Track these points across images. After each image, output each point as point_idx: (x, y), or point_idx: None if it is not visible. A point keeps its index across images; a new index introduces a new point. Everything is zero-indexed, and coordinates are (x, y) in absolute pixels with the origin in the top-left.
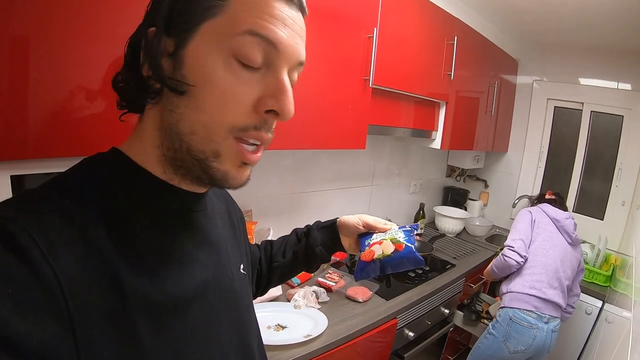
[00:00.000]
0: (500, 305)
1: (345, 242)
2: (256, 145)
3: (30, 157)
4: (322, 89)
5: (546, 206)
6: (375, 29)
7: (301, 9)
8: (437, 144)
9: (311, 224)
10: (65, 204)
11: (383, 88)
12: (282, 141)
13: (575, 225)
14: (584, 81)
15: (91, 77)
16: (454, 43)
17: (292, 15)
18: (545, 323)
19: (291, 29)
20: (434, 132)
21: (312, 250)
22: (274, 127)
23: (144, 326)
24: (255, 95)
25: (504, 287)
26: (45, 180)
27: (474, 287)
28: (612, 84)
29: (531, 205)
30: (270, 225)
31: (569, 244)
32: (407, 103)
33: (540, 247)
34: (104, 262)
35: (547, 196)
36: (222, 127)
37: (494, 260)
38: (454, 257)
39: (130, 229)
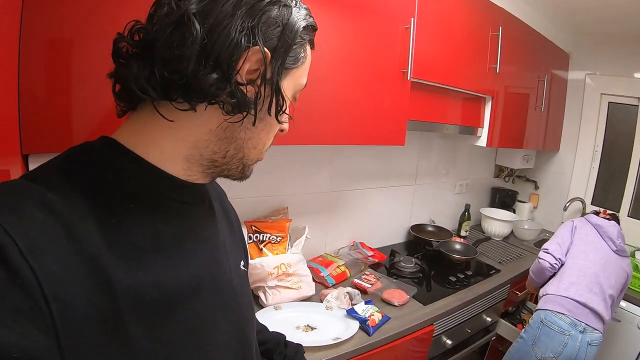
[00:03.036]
0: (536, 309)
1: None
2: None
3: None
4: (356, 82)
5: (591, 216)
6: (412, 19)
7: None
8: (482, 141)
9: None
10: (50, 198)
11: (423, 82)
12: (317, 136)
13: (621, 233)
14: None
15: None
16: (498, 34)
17: None
18: (581, 332)
19: None
20: (479, 129)
21: None
22: None
23: (135, 329)
24: None
25: (541, 291)
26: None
27: (520, 294)
28: None
29: None
30: (306, 224)
31: (614, 251)
32: (450, 98)
33: (580, 251)
34: (92, 259)
35: (601, 215)
36: (268, 144)
37: (532, 264)
38: (499, 262)
39: (124, 221)
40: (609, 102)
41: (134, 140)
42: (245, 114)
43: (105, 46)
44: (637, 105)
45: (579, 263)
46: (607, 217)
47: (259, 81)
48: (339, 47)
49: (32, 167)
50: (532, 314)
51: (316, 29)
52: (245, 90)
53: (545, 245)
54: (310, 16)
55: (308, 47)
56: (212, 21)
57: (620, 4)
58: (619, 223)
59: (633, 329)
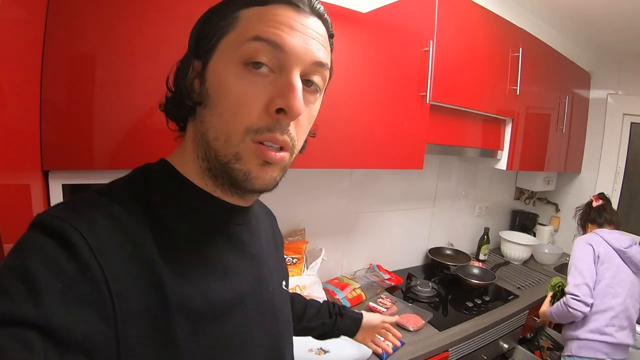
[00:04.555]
0: (567, 353)
1: (359, 335)
2: (279, 147)
3: (86, 167)
4: (375, 105)
5: (604, 232)
6: (431, 41)
7: (316, 14)
8: (502, 164)
9: (341, 307)
10: (115, 209)
11: (442, 104)
12: (335, 160)
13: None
14: None
15: (152, 94)
16: (519, 55)
17: (302, 20)
18: None
19: (300, 32)
20: (499, 152)
21: (336, 331)
22: (289, 129)
23: (181, 330)
24: (267, 97)
25: (568, 332)
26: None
27: (538, 320)
28: None
29: (581, 224)
30: (323, 246)
31: (635, 274)
32: (469, 120)
33: (608, 286)
34: (148, 265)
35: (594, 204)
36: (238, 131)
37: (554, 305)
38: (518, 287)
39: (174, 236)
40: (632, 123)
41: (176, 160)
42: (190, 112)
43: (126, 63)
44: None
45: (609, 302)
46: (601, 202)
47: (186, 79)
48: (359, 70)
49: (51, 182)
50: (550, 340)
51: None
52: (171, 94)
53: (572, 289)
54: None
55: (247, 10)
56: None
57: None
58: (610, 204)
59: None
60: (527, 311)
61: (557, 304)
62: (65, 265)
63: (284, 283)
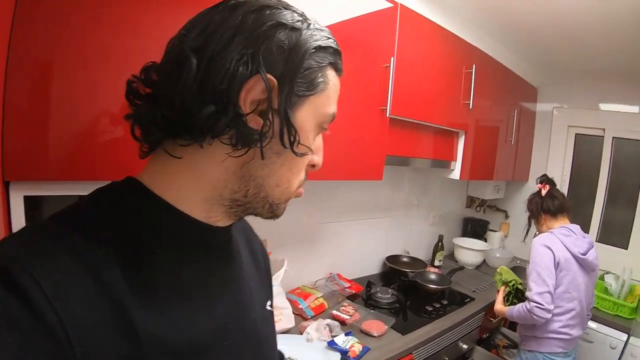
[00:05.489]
0: (527, 348)
1: None
2: None
3: (49, 178)
4: (338, 119)
5: (562, 235)
6: (392, 58)
7: None
8: (456, 174)
9: None
10: (77, 241)
11: (401, 118)
12: None
13: (596, 256)
14: (605, 107)
15: (113, 101)
16: (472, 72)
17: None
18: (569, 356)
19: None
20: (453, 163)
21: None
22: None
23: None
24: None
25: (526, 332)
26: (54, 212)
27: (494, 321)
28: (635, 109)
29: (534, 216)
30: (285, 256)
31: (589, 274)
32: (426, 133)
33: (565, 292)
34: (117, 304)
35: (543, 192)
36: (300, 182)
37: (516, 310)
38: (474, 291)
39: (148, 266)
40: (576, 134)
41: (153, 180)
42: (251, 147)
43: (90, 74)
44: (603, 136)
45: (566, 306)
46: (548, 187)
47: (269, 112)
48: None
49: (12, 194)
50: (506, 339)
51: (339, 52)
52: (247, 121)
53: (535, 297)
54: (330, 37)
55: (330, 72)
56: (209, 54)
57: (589, 45)
58: (555, 185)
59: (606, 349)
60: (483, 313)
61: (519, 308)
62: (18, 315)
63: (268, 303)
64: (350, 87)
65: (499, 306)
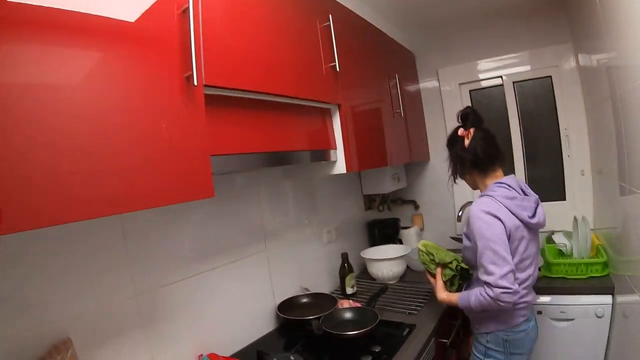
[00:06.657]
0: (482, 331)
1: None
2: None
3: None
4: (114, 104)
5: (503, 197)
6: None
7: None
8: (340, 166)
9: None
10: None
11: (225, 92)
12: (75, 209)
13: (543, 212)
14: (494, 53)
15: None
16: (329, 25)
17: None
18: (530, 320)
19: None
20: (333, 152)
21: None
22: None
23: None
24: None
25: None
26: None
27: (448, 342)
28: (526, 47)
29: (459, 173)
30: (114, 355)
31: (536, 235)
32: (285, 116)
33: (520, 261)
34: None
35: (467, 141)
36: None
37: (475, 299)
38: (409, 313)
39: None
40: (470, 90)
41: None
42: None
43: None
44: (502, 84)
45: (520, 275)
46: (467, 125)
47: None
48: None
49: None
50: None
51: None
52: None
53: (501, 282)
54: None
55: None
56: None
57: None
58: (482, 122)
59: (592, 321)
60: (433, 339)
61: (477, 296)
62: None
63: None
64: (125, 47)
65: (444, 294)
